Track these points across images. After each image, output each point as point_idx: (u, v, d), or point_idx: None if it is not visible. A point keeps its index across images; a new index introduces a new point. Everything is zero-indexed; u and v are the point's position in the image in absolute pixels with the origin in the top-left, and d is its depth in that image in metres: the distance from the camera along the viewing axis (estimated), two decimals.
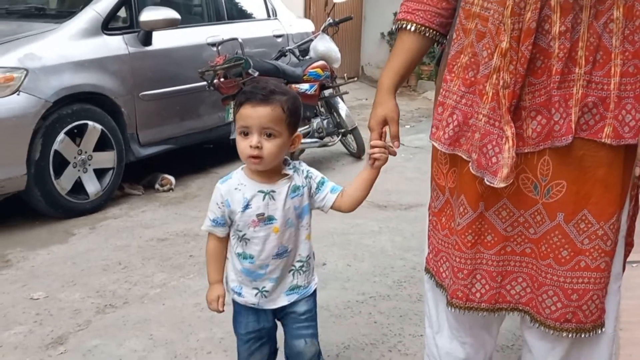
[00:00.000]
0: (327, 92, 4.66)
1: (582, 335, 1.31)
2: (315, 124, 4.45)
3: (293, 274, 1.51)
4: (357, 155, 4.92)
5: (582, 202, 1.25)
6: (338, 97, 4.78)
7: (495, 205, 1.32)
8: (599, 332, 1.32)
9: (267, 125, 1.37)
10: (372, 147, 1.42)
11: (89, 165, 3.56)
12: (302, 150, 4.60)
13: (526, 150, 1.26)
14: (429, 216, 1.49)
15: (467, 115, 1.30)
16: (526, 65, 1.21)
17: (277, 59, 4.55)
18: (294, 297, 1.52)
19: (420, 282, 2.42)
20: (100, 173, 3.64)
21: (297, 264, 1.51)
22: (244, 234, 1.46)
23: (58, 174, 3.38)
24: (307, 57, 4.63)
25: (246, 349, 1.56)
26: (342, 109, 4.74)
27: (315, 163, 4.78)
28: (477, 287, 1.37)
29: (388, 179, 4.26)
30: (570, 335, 1.31)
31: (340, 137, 4.70)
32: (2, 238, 3.16)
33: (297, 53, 4.70)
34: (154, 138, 4.03)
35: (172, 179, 4.08)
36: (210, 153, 4.89)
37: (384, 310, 2.32)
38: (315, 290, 1.58)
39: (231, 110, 3.87)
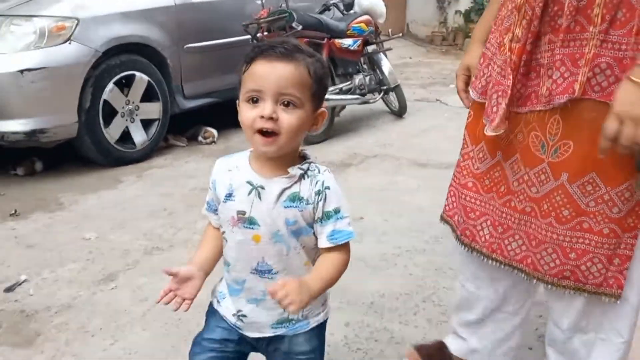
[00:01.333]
0: (370, 48, 4.61)
1: (583, 295, 1.30)
2: (357, 80, 4.42)
3: None
4: (399, 113, 4.88)
5: (590, 165, 1.21)
6: (381, 53, 4.72)
7: (511, 159, 1.33)
8: (605, 299, 1.29)
9: (287, 91, 1.02)
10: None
11: (136, 115, 3.67)
12: (343, 107, 4.59)
13: (538, 108, 1.24)
14: None
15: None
16: (538, 22, 1.20)
17: (321, 12, 4.52)
18: (280, 331, 1.16)
19: None
20: (146, 124, 3.75)
21: None
22: (224, 232, 1.15)
23: (107, 123, 3.50)
24: (352, 11, 4.57)
25: (197, 355, 1.19)
26: (386, 65, 4.68)
27: (355, 121, 4.78)
28: (485, 232, 1.41)
29: (429, 138, 4.24)
30: (570, 293, 1.30)
31: (382, 94, 4.66)
32: (55, 182, 3.33)
33: (342, 7, 4.64)
34: (198, 91, 4.11)
35: (214, 132, 4.17)
36: None
37: (420, 263, 2.36)
38: (320, 327, 1.20)
39: None
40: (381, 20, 4.64)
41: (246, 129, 1.06)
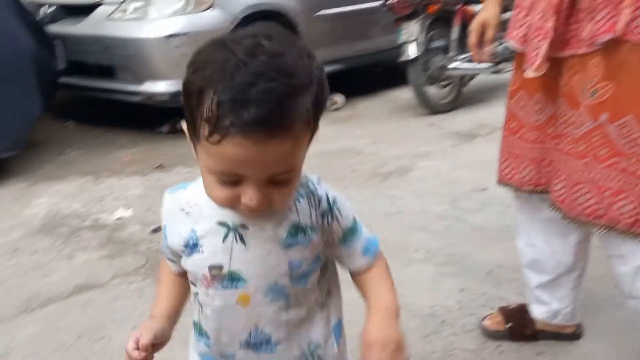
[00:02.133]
0: (506, 15, 4.37)
1: (615, 234, 1.29)
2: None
3: None
4: None
5: (629, 107, 1.22)
6: None
7: (559, 102, 1.37)
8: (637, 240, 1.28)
9: (282, 169, 0.70)
10: None
11: None
12: (473, 77, 4.43)
13: (580, 52, 1.27)
14: None
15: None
16: None
17: None
18: None
19: None
20: None
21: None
22: (197, 293, 0.85)
23: None
24: None
25: None
26: None
27: (485, 91, 4.60)
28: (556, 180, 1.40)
29: None
30: (601, 232, 1.31)
31: None
32: None
33: None
34: (326, 57, 4.16)
35: (340, 98, 4.25)
36: (380, 75, 4.95)
37: None
38: None
39: (402, 32, 3.85)
40: None
41: (219, 202, 0.74)
